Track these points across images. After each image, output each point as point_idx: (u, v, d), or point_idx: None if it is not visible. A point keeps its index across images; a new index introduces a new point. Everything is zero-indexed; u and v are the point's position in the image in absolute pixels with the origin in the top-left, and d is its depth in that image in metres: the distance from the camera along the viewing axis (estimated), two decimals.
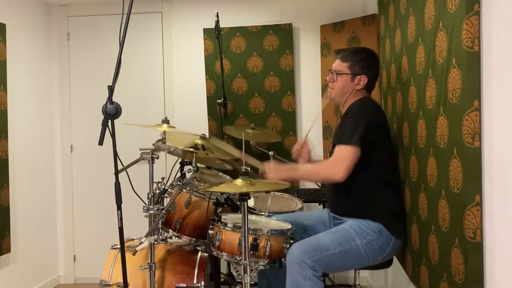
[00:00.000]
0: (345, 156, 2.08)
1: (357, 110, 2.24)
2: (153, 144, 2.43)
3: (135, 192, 2.28)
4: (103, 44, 3.85)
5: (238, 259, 2.09)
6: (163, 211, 2.31)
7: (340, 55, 2.34)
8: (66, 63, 3.89)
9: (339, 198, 2.29)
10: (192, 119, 3.74)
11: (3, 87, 3.14)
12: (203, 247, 2.49)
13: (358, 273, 2.63)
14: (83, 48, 3.88)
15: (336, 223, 2.30)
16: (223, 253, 2.16)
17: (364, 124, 2.11)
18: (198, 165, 2.66)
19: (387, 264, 2.34)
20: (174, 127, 2.68)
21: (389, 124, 2.60)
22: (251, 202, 2.54)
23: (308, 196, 3.19)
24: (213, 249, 2.21)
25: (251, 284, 2.11)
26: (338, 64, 2.33)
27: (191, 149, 2.48)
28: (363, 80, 2.29)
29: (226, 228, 2.17)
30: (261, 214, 2.56)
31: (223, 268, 3.16)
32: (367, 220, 2.17)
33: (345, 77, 2.29)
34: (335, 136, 2.31)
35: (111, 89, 1.79)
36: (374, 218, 2.17)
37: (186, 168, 2.63)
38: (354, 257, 2.13)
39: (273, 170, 2.22)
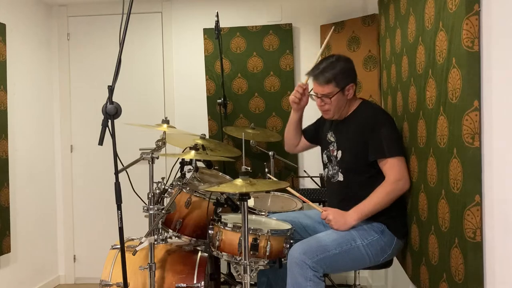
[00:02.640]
0: (402, 168, 2.14)
1: (379, 118, 2.22)
2: (155, 146, 2.42)
3: (135, 192, 2.28)
4: (103, 44, 3.85)
5: (238, 259, 2.09)
6: (163, 211, 2.31)
7: (319, 78, 2.22)
8: (66, 63, 3.89)
9: (343, 202, 2.26)
10: (192, 119, 3.74)
11: (3, 87, 3.14)
12: (203, 247, 2.49)
13: (358, 273, 2.63)
14: (83, 48, 3.88)
15: None
16: (223, 253, 2.16)
17: (395, 130, 2.22)
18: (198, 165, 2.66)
19: (387, 264, 2.34)
20: (174, 127, 2.68)
21: None
22: (251, 202, 2.54)
23: (308, 196, 3.19)
24: (213, 249, 2.21)
25: (251, 284, 2.11)
26: (322, 88, 2.22)
27: (192, 150, 2.48)
28: (352, 88, 2.27)
29: (226, 228, 2.16)
30: (261, 214, 2.56)
31: (223, 268, 3.16)
32: (370, 220, 2.18)
33: (336, 95, 2.23)
34: (353, 145, 2.24)
35: (111, 89, 1.79)
36: (377, 219, 2.18)
37: (186, 168, 2.63)
38: (355, 257, 2.13)
39: (340, 222, 2.14)
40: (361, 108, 2.31)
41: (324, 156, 2.43)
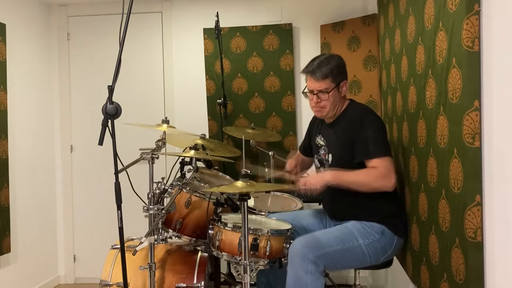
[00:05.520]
0: (388, 168, 2.11)
1: (365, 117, 2.20)
2: (155, 145, 2.42)
3: (135, 192, 2.28)
4: (103, 44, 3.85)
5: (238, 259, 2.09)
6: (163, 211, 2.31)
7: (316, 73, 2.21)
8: (66, 63, 3.89)
9: (340, 204, 2.28)
10: (192, 119, 3.74)
11: (3, 87, 3.14)
12: (203, 247, 2.49)
13: (358, 273, 2.62)
14: (83, 48, 3.88)
15: (336, 223, 2.30)
16: (223, 253, 2.16)
17: (382, 131, 2.19)
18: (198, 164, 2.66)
19: (387, 264, 2.34)
20: (174, 127, 2.68)
21: (389, 124, 2.61)
22: (251, 202, 2.54)
23: (308, 196, 3.19)
24: (213, 249, 2.21)
25: (251, 284, 2.11)
26: (319, 84, 2.21)
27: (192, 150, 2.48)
28: (345, 85, 2.28)
29: (226, 228, 2.16)
30: (261, 214, 2.55)
31: (223, 268, 3.16)
32: (370, 221, 2.18)
33: (332, 91, 2.22)
34: (343, 147, 2.23)
35: (111, 89, 1.79)
36: (376, 220, 2.18)
37: (186, 168, 2.63)
38: (355, 256, 2.13)
39: (316, 178, 2.16)
40: (348, 109, 2.29)
41: (316, 160, 2.43)
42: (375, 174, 2.10)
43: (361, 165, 2.15)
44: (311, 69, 2.23)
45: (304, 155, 2.64)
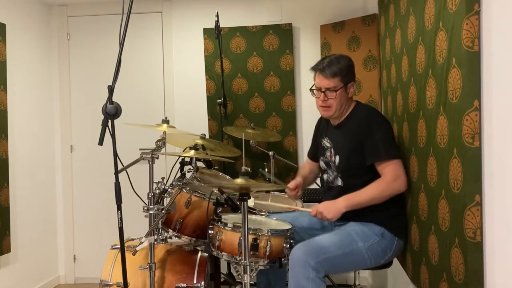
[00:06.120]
0: (399, 170, 2.13)
1: (374, 120, 2.20)
2: (155, 145, 2.42)
3: (135, 192, 2.28)
4: (103, 44, 3.85)
5: (238, 259, 2.09)
6: (163, 211, 2.31)
7: (326, 71, 2.22)
8: (66, 63, 3.89)
9: None
10: (192, 119, 3.74)
11: (3, 87, 3.14)
12: (203, 247, 2.49)
13: (358, 273, 2.63)
14: (83, 48, 3.88)
15: (336, 224, 2.30)
16: (223, 253, 2.16)
17: (390, 133, 2.21)
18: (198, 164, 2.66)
19: (387, 264, 2.34)
20: (174, 127, 2.68)
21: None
22: (251, 202, 2.54)
23: (308, 196, 3.19)
24: (213, 249, 2.21)
25: (251, 284, 2.11)
26: (328, 81, 2.22)
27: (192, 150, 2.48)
28: (353, 86, 2.29)
29: (226, 228, 2.17)
30: (261, 214, 2.55)
31: (223, 268, 3.16)
32: (370, 223, 2.18)
33: (340, 90, 2.23)
34: (351, 149, 2.23)
35: (111, 89, 1.79)
36: (377, 221, 2.18)
37: (186, 168, 2.63)
38: (356, 259, 2.13)
39: (330, 210, 2.12)
40: (355, 111, 2.30)
41: (322, 162, 2.42)
42: (385, 182, 2.11)
43: (372, 168, 2.16)
44: (321, 67, 2.25)
45: (312, 161, 2.61)
